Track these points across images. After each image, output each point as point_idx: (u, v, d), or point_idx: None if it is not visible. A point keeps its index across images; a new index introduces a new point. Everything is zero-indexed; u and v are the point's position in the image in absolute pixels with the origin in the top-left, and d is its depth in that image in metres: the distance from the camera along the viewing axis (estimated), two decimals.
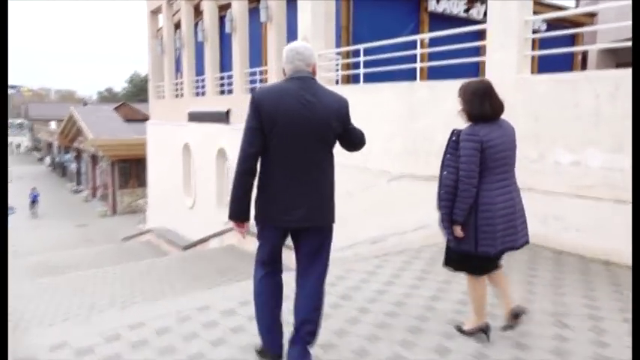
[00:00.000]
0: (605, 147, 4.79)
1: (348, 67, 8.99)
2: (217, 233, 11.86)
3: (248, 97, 2.67)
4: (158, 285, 8.61)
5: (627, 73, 4.40)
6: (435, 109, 6.35)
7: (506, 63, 5.63)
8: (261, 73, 11.74)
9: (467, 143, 2.97)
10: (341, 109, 2.74)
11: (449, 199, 3.05)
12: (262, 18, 10.97)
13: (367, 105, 7.45)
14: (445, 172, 3.08)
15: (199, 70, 15.01)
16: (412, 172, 6.81)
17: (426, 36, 8.62)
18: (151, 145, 18.43)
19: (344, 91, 7.68)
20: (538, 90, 5.36)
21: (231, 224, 2.71)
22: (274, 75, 10.72)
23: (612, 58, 15.99)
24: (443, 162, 3.10)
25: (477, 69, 9.75)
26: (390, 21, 10.32)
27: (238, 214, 2.65)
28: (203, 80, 14.45)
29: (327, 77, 8.78)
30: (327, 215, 2.77)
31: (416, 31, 10.58)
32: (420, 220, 6.46)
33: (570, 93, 5.06)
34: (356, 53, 9.29)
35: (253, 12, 12.12)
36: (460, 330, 3.33)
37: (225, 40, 13.61)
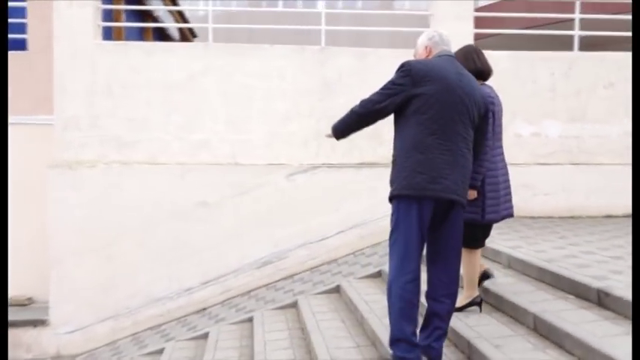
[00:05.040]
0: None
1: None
2: None
3: None
4: None
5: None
6: (364, 83, 5.42)
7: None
8: None
9: (494, 107, 2.86)
10: (482, 98, 2.67)
11: None
12: None
13: (242, 75, 5.58)
14: None
15: None
16: (330, 161, 5.59)
17: None
18: None
19: (202, 52, 5.33)
20: None
21: (330, 133, 2.80)
22: None
23: None
24: None
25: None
26: None
27: (342, 131, 2.75)
28: None
29: None
30: (466, 193, 2.67)
31: None
32: (349, 218, 5.47)
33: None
34: None
35: None
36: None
37: None
